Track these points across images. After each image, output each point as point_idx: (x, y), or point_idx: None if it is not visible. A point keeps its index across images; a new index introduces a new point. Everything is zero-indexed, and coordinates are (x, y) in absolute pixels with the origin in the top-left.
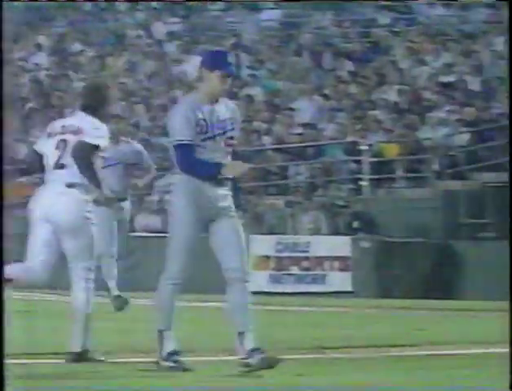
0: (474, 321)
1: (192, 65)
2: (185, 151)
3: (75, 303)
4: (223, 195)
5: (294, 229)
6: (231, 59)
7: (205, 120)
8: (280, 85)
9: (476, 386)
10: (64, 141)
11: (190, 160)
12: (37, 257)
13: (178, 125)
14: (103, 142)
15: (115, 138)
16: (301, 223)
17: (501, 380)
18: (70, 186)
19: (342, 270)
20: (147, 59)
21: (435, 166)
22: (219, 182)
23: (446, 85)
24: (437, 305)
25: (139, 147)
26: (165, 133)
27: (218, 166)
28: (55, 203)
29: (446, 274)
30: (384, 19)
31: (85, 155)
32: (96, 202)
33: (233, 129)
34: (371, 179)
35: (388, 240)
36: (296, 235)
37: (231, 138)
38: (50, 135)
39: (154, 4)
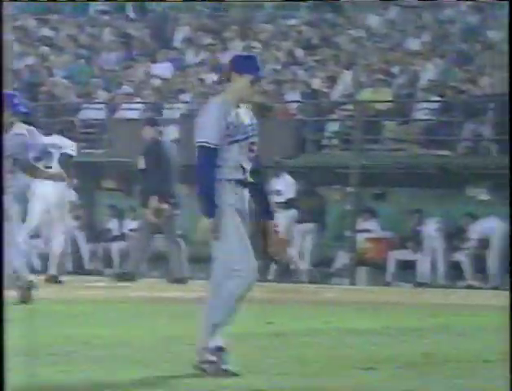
0: None
1: None
2: (208, 154)
3: None
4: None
5: None
6: (259, 63)
7: (233, 123)
8: None
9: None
10: None
11: (206, 169)
12: None
13: (209, 128)
14: None
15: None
16: None
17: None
18: None
19: None
20: None
21: None
22: (246, 185)
23: None
24: None
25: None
26: None
27: (213, 208)
28: None
29: None
30: None
31: None
32: None
33: (253, 135)
34: None
35: None
36: None
37: (253, 143)
38: None
39: None
